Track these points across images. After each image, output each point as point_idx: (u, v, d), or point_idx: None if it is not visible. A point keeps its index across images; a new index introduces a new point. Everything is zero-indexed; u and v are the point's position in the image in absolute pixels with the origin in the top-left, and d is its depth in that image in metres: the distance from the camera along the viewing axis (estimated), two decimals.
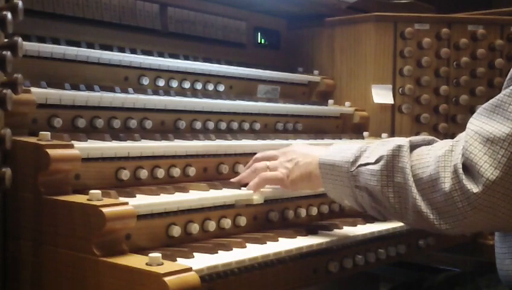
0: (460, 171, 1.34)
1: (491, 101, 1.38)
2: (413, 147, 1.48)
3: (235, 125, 2.07)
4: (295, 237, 1.61)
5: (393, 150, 1.46)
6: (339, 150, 1.59)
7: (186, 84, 2.13)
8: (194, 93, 2.10)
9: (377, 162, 1.48)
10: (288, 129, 2.28)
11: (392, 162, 1.46)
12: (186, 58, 2.19)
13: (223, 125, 2.03)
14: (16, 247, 1.41)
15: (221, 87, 2.24)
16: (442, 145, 1.44)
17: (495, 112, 1.35)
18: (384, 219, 1.59)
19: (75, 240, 1.29)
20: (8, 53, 1.24)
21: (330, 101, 2.52)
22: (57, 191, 1.37)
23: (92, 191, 1.30)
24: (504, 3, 2.77)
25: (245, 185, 1.70)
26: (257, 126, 2.15)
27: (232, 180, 1.74)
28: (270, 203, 1.74)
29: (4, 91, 1.25)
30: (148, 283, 1.17)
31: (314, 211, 1.85)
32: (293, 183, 1.67)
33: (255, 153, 1.80)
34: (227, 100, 2.08)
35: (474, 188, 1.32)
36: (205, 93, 2.14)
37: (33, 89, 1.54)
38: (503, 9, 2.65)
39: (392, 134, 2.49)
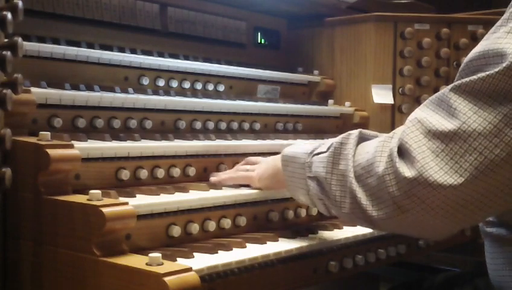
0: (395, 154, 1.30)
1: (437, 93, 1.35)
2: (362, 138, 1.46)
3: (235, 125, 2.07)
4: (295, 237, 1.61)
5: (342, 138, 1.45)
6: (303, 144, 1.60)
7: (186, 84, 2.13)
8: (194, 93, 2.10)
9: (327, 150, 1.47)
10: (288, 129, 2.28)
11: (339, 149, 1.44)
12: (186, 58, 2.19)
13: (223, 125, 2.03)
14: (16, 247, 1.41)
15: (221, 87, 2.24)
16: (385, 135, 1.41)
17: (440, 106, 1.31)
18: (329, 213, 1.53)
19: (75, 240, 1.29)
20: (8, 53, 1.24)
21: (330, 101, 2.52)
22: (57, 191, 1.37)
23: (92, 191, 1.30)
24: (504, 3, 2.77)
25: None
26: (257, 126, 2.15)
27: (211, 179, 1.74)
28: (270, 203, 1.74)
29: (4, 91, 1.25)
30: (148, 283, 1.17)
31: (314, 211, 1.85)
32: (260, 179, 1.68)
33: (255, 153, 1.80)
34: (227, 100, 2.08)
35: (406, 171, 1.27)
36: (205, 93, 2.14)
37: (33, 89, 1.54)
38: (503, 9, 2.64)
39: None
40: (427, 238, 1.47)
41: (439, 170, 1.25)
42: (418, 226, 1.34)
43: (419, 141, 1.29)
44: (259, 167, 1.70)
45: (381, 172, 1.32)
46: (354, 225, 1.76)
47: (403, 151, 1.30)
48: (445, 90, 1.33)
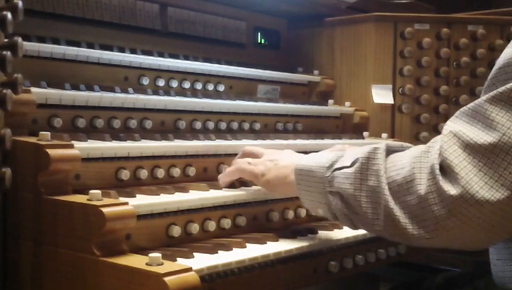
0: (437, 171, 1.26)
1: (470, 105, 1.31)
2: (390, 151, 1.41)
3: (235, 125, 2.07)
4: (295, 237, 1.61)
5: (369, 153, 1.40)
6: (317, 156, 1.54)
7: (186, 84, 2.13)
8: (194, 93, 2.10)
9: (352, 165, 1.42)
10: (288, 129, 2.28)
11: (366, 164, 1.39)
12: (186, 58, 2.19)
13: (223, 125, 2.03)
14: (16, 247, 1.41)
15: (221, 87, 2.24)
16: (417, 148, 1.37)
17: (475, 118, 1.28)
18: (356, 228, 1.50)
19: (75, 240, 1.29)
20: (8, 53, 1.24)
21: (330, 101, 2.52)
22: (57, 191, 1.37)
23: (92, 191, 1.30)
24: (504, 3, 2.78)
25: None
26: (257, 126, 2.15)
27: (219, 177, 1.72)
28: (270, 203, 1.74)
29: (4, 91, 1.25)
30: (148, 283, 1.17)
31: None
32: (266, 183, 1.63)
33: None
34: (227, 100, 2.08)
35: (451, 190, 1.24)
36: (205, 93, 2.14)
37: (33, 89, 1.54)
38: (503, 9, 2.65)
39: (392, 134, 2.49)
40: (466, 250, 1.45)
41: (484, 185, 1.22)
42: (459, 240, 1.31)
43: (459, 156, 1.25)
44: (266, 168, 1.64)
45: (424, 191, 1.28)
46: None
47: (444, 168, 1.26)
48: (479, 101, 1.29)
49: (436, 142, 1.31)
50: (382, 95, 2.48)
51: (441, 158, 1.27)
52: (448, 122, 1.33)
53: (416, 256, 2.32)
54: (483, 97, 1.28)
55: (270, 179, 1.62)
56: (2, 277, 1.42)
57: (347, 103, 2.52)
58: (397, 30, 2.49)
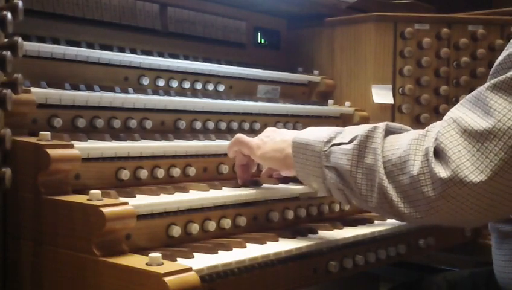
0: (431, 154, 1.30)
1: (473, 92, 1.35)
2: (389, 132, 1.45)
3: (235, 125, 2.07)
4: (295, 237, 1.61)
5: (369, 131, 1.43)
6: (315, 130, 1.57)
7: (186, 84, 2.13)
8: (194, 93, 2.10)
9: (350, 141, 1.45)
10: (288, 129, 2.27)
11: (365, 142, 1.42)
12: (186, 58, 2.19)
13: (223, 125, 2.03)
14: (16, 247, 1.41)
15: (221, 87, 2.24)
16: (416, 131, 1.40)
17: (476, 105, 1.31)
18: (349, 204, 1.53)
19: (75, 240, 1.29)
20: (8, 53, 1.24)
21: (330, 101, 2.52)
22: (57, 191, 1.37)
23: (92, 191, 1.30)
24: (504, 3, 2.78)
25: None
26: (257, 126, 2.15)
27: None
28: (270, 203, 1.74)
29: (4, 91, 1.25)
30: (148, 283, 1.17)
31: (314, 211, 1.85)
32: (262, 156, 1.64)
33: None
34: (227, 100, 2.08)
35: (442, 172, 1.27)
36: (205, 93, 2.14)
37: (33, 89, 1.54)
38: (503, 9, 2.65)
39: None
40: (457, 227, 1.50)
41: (474, 170, 1.25)
42: (449, 220, 1.35)
43: (455, 140, 1.29)
44: (262, 142, 1.65)
45: (416, 172, 1.32)
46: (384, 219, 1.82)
47: (438, 152, 1.30)
48: (481, 88, 1.32)
49: (435, 127, 1.35)
50: (382, 95, 2.48)
51: (436, 142, 1.31)
52: (452, 108, 1.37)
53: (416, 256, 2.32)
54: (486, 84, 1.32)
55: (266, 152, 1.63)
56: (2, 277, 1.42)
57: (347, 103, 2.52)
58: (397, 30, 2.49)
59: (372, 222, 1.87)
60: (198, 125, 1.96)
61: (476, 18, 2.58)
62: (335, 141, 1.48)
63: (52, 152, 1.35)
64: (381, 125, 1.44)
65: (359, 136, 1.44)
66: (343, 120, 2.48)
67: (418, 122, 2.49)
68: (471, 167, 1.25)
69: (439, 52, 2.49)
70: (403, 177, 1.34)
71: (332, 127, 1.55)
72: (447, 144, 1.29)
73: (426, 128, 1.37)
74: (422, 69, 2.49)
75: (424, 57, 2.48)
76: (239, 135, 1.70)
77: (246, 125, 2.11)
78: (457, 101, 2.48)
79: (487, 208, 1.28)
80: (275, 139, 1.63)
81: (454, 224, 1.42)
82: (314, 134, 1.54)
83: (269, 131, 1.69)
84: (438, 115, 2.50)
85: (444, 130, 1.31)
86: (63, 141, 1.44)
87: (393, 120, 2.49)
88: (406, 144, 1.36)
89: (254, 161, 1.71)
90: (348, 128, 1.52)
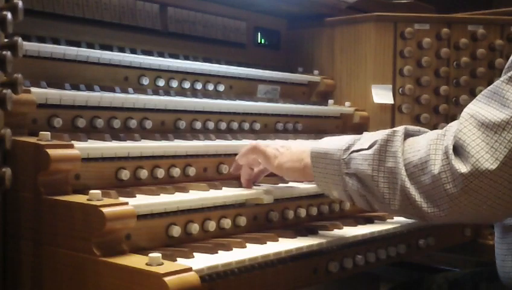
0: (451, 151, 1.32)
1: (489, 87, 1.37)
2: (407, 135, 1.47)
3: (235, 125, 2.07)
4: (295, 237, 1.61)
5: (388, 135, 1.45)
6: (333, 139, 1.58)
7: (186, 84, 2.13)
8: (194, 93, 2.10)
9: (370, 147, 1.47)
10: (288, 129, 2.28)
11: (385, 146, 1.44)
12: (186, 58, 2.19)
13: (223, 125, 2.03)
14: (16, 247, 1.41)
15: (221, 87, 2.24)
16: (435, 132, 1.42)
17: (492, 98, 1.33)
18: (372, 210, 1.55)
19: (75, 240, 1.29)
20: (8, 53, 1.24)
21: (330, 101, 2.52)
22: (57, 191, 1.37)
23: (92, 191, 1.30)
24: (504, 3, 2.77)
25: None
26: (257, 126, 2.15)
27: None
28: (270, 203, 1.74)
29: (4, 91, 1.24)
30: (148, 283, 1.17)
31: (314, 211, 1.85)
32: (279, 167, 1.64)
33: None
34: (227, 100, 2.08)
35: (462, 168, 1.29)
36: (205, 93, 2.14)
37: (33, 89, 1.54)
38: (503, 9, 2.65)
39: None
40: (481, 223, 1.51)
41: (490, 158, 1.27)
42: (473, 215, 1.36)
43: (473, 134, 1.31)
44: (279, 152, 1.65)
45: (437, 170, 1.33)
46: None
47: (457, 148, 1.32)
48: (498, 82, 1.35)
49: (453, 126, 1.37)
50: (382, 95, 2.48)
51: (455, 139, 1.33)
52: (469, 104, 1.39)
53: (416, 256, 2.32)
54: (502, 78, 1.34)
55: (284, 162, 1.63)
56: (2, 277, 1.42)
57: (347, 103, 2.52)
58: (397, 30, 2.49)
59: (372, 222, 1.87)
60: (198, 125, 1.96)
61: (476, 18, 2.58)
62: (354, 148, 1.50)
63: (52, 152, 1.35)
64: (400, 129, 1.46)
65: (379, 140, 1.45)
66: (343, 120, 2.49)
67: (418, 123, 2.48)
68: (491, 159, 1.27)
69: (439, 52, 2.49)
70: (425, 177, 1.36)
71: (350, 135, 1.56)
72: (465, 139, 1.31)
73: (444, 128, 1.39)
74: (422, 69, 2.49)
75: (424, 57, 2.48)
76: (256, 143, 1.70)
77: (246, 125, 2.11)
78: (457, 101, 2.50)
79: (509, 199, 1.29)
80: (291, 150, 1.64)
81: (478, 220, 1.44)
82: (333, 143, 1.56)
83: (281, 142, 1.70)
84: (438, 115, 2.50)
85: (461, 126, 1.33)
86: (63, 141, 1.44)
87: (393, 120, 2.49)
88: (426, 145, 1.38)
89: (264, 170, 1.72)
90: (365, 134, 1.53)
